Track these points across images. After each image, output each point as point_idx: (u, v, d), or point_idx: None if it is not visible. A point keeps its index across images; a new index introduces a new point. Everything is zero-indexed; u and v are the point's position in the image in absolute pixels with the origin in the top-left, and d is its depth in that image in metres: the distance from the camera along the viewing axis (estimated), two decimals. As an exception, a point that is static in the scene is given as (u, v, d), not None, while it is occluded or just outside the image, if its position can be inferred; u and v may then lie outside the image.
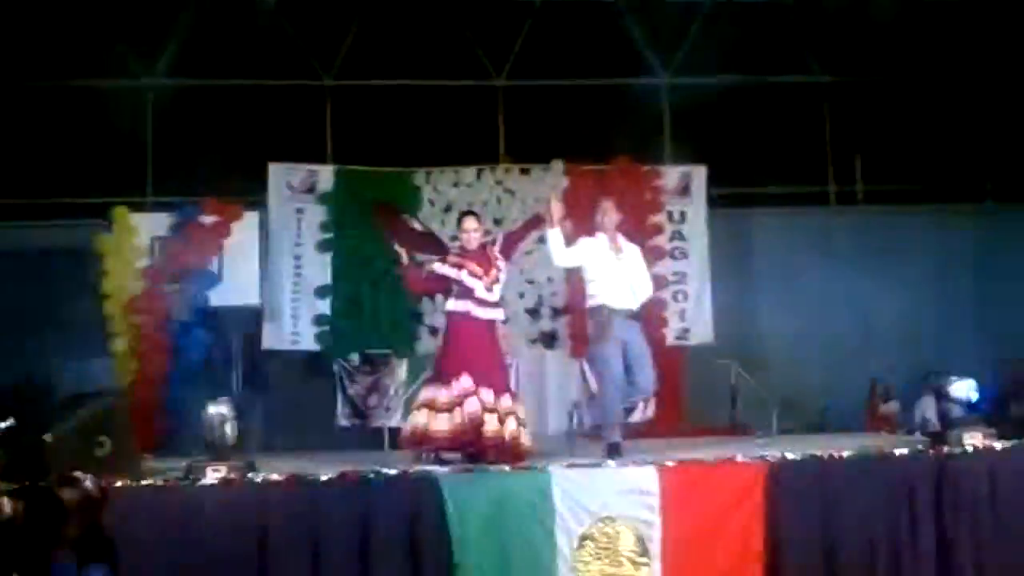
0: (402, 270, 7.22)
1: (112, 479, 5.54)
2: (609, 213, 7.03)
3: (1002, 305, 11.71)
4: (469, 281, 6.71)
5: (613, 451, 6.78)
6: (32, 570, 3.34)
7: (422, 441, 6.64)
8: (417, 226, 7.59)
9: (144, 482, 5.89)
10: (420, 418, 6.63)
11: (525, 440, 6.69)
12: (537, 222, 7.21)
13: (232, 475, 5.96)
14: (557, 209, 6.83)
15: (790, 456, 6.27)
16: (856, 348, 11.77)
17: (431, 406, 6.61)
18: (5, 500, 3.38)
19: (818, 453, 6.35)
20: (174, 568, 5.59)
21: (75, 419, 6.12)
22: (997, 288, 11.88)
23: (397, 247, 7.28)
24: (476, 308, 6.71)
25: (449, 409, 6.52)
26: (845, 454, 6.33)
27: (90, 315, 10.39)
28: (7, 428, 4.20)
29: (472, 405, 6.50)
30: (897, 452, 6.42)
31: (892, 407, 10.96)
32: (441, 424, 6.53)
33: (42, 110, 11.67)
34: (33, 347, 10.80)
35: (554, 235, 6.83)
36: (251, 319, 10.63)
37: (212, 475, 5.95)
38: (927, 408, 10.54)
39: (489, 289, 6.73)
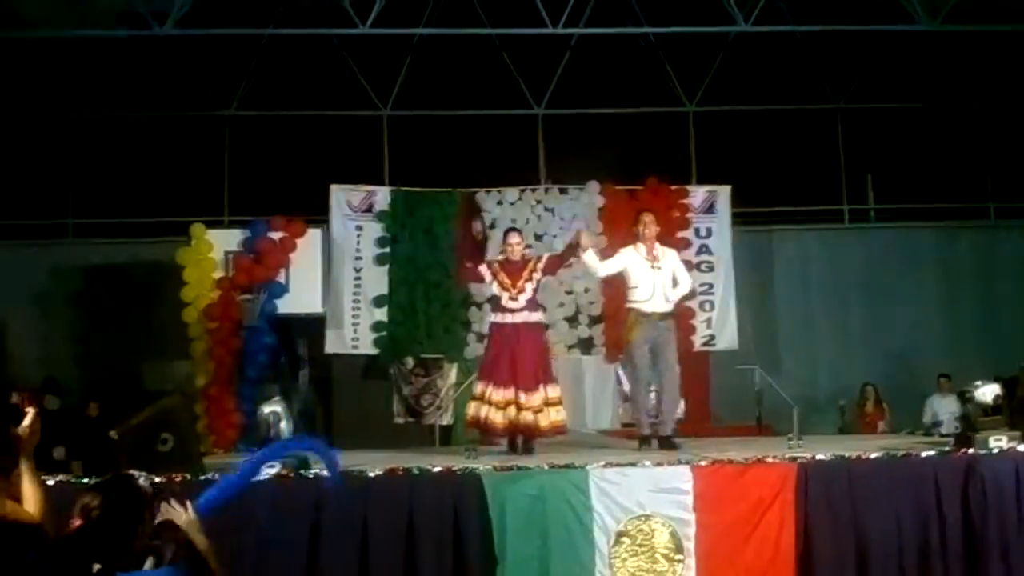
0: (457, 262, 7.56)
1: (173, 474, 5.08)
2: (650, 225, 6.95)
3: (1003, 316, 11.47)
4: (496, 289, 6.82)
5: (666, 444, 6.65)
6: (113, 562, 2.89)
7: (485, 429, 6.84)
8: (478, 229, 7.45)
9: (202, 477, 5.38)
10: (481, 410, 6.76)
11: (559, 417, 6.78)
12: (576, 247, 7.18)
13: (285, 471, 5.46)
14: (586, 239, 7.07)
15: (820, 457, 5.63)
16: (866, 354, 11.45)
17: (485, 399, 6.74)
18: (88, 498, 2.88)
19: (847, 454, 5.70)
20: (230, 560, 5.06)
21: (140, 417, 5.66)
22: (999, 300, 11.64)
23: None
24: (503, 316, 6.78)
25: (502, 407, 6.66)
26: (873, 455, 5.67)
27: (172, 321, 10.06)
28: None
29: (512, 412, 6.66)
30: (924, 454, 5.73)
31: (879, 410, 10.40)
32: (496, 417, 6.69)
33: (132, 140, 11.58)
34: (122, 348, 10.71)
35: (588, 257, 6.93)
36: (315, 326, 10.26)
37: (267, 471, 5.46)
38: (938, 409, 9.83)
39: (514, 298, 6.76)
